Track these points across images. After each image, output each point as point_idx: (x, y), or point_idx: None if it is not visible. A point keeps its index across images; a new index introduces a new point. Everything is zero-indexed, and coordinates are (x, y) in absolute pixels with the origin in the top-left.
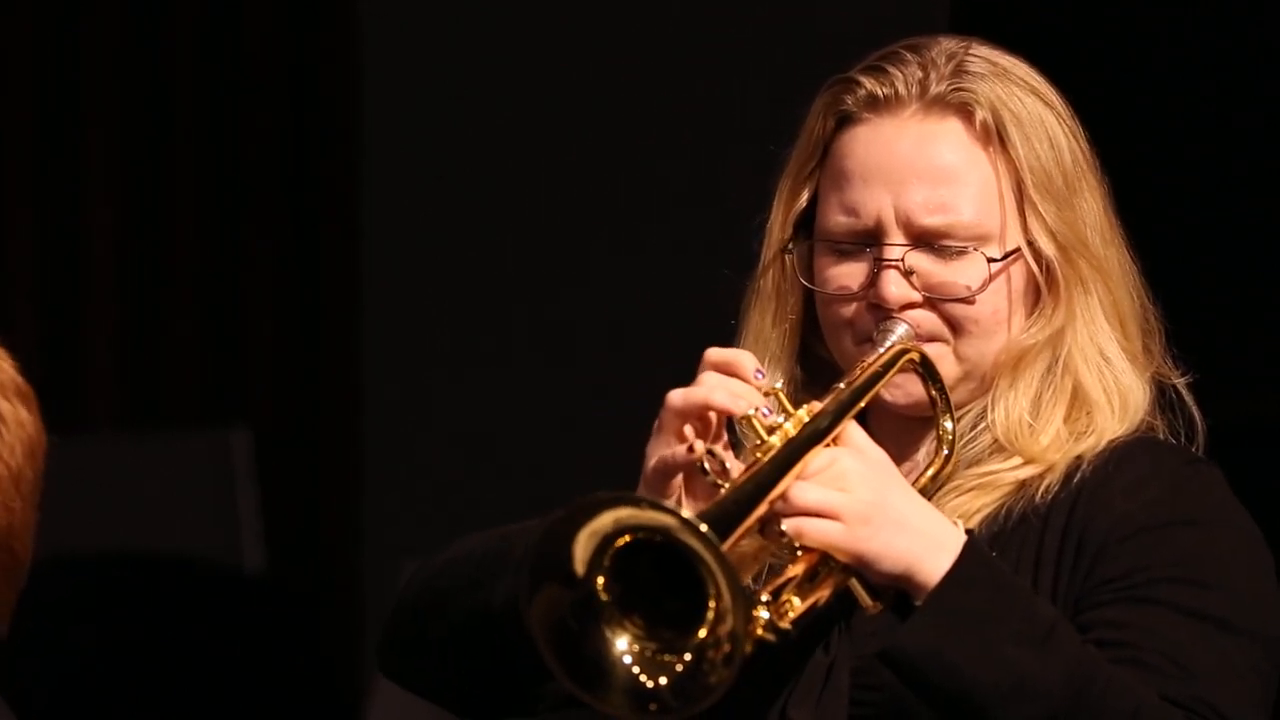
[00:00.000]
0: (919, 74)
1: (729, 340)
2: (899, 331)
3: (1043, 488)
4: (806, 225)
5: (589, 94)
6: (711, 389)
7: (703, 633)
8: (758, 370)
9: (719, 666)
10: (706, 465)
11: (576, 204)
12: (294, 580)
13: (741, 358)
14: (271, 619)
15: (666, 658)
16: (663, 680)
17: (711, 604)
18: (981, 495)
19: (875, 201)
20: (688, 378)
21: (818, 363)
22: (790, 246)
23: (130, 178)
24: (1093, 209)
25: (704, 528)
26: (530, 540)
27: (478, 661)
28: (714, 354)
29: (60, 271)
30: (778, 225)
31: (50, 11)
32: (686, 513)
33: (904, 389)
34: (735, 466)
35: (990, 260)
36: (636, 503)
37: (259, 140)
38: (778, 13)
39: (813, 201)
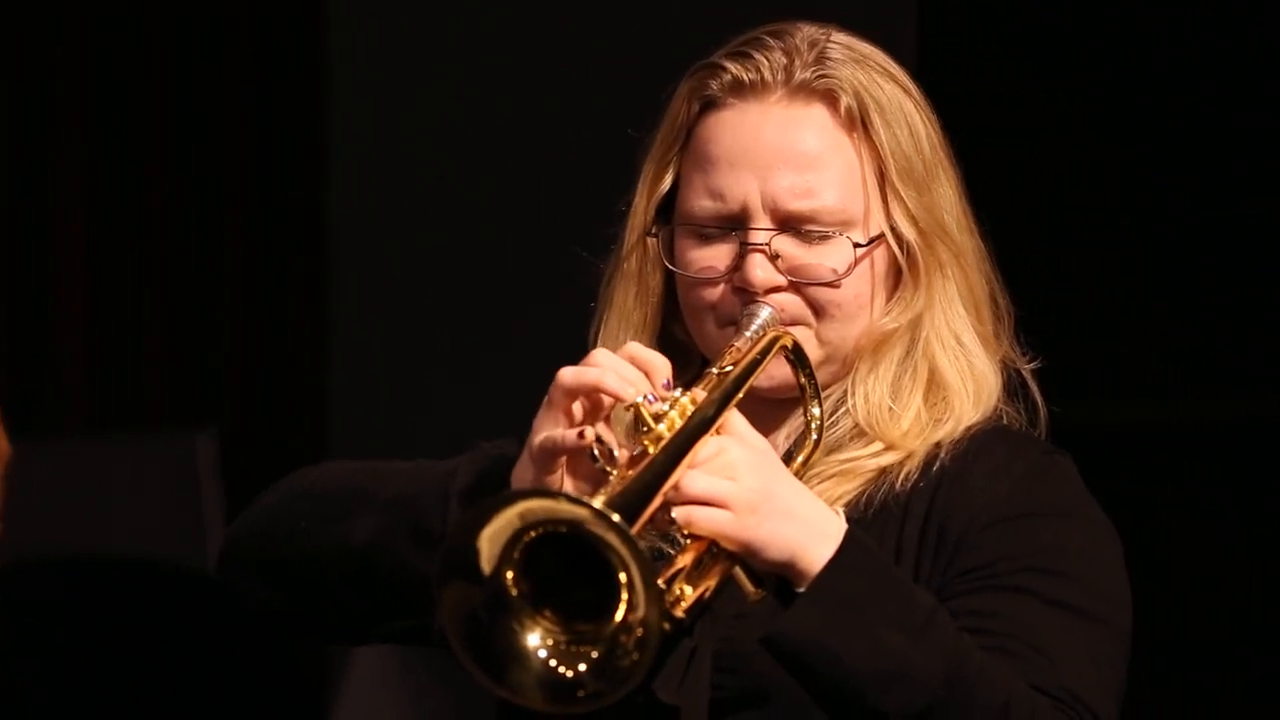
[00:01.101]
0: (784, 60)
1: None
2: (763, 315)
3: (903, 475)
4: (667, 208)
5: (561, 96)
6: (604, 372)
7: (616, 621)
8: (668, 380)
9: (632, 652)
10: (595, 451)
11: (548, 206)
12: None
13: (657, 361)
14: (236, 622)
15: (581, 648)
16: (581, 668)
17: (624, 594)
18: (843, 482)
19: (741, 186)
20: None
21: (675, 344)
22: (654, 230)
23: (100, 181)
24: (948, 194)
25: (617, 518)
26: (409, 499)
27: (321, 590)
28: (634, 349)
29: (29, 275)
30: (641, 208)
31: (21, 17)
32: (598, 504)
33: (769, 373)
34: (621, 452)
35: (856, 245)
36: (546, 495)
37: (228, 145)
38: (749, 14)
39: (675, 185)
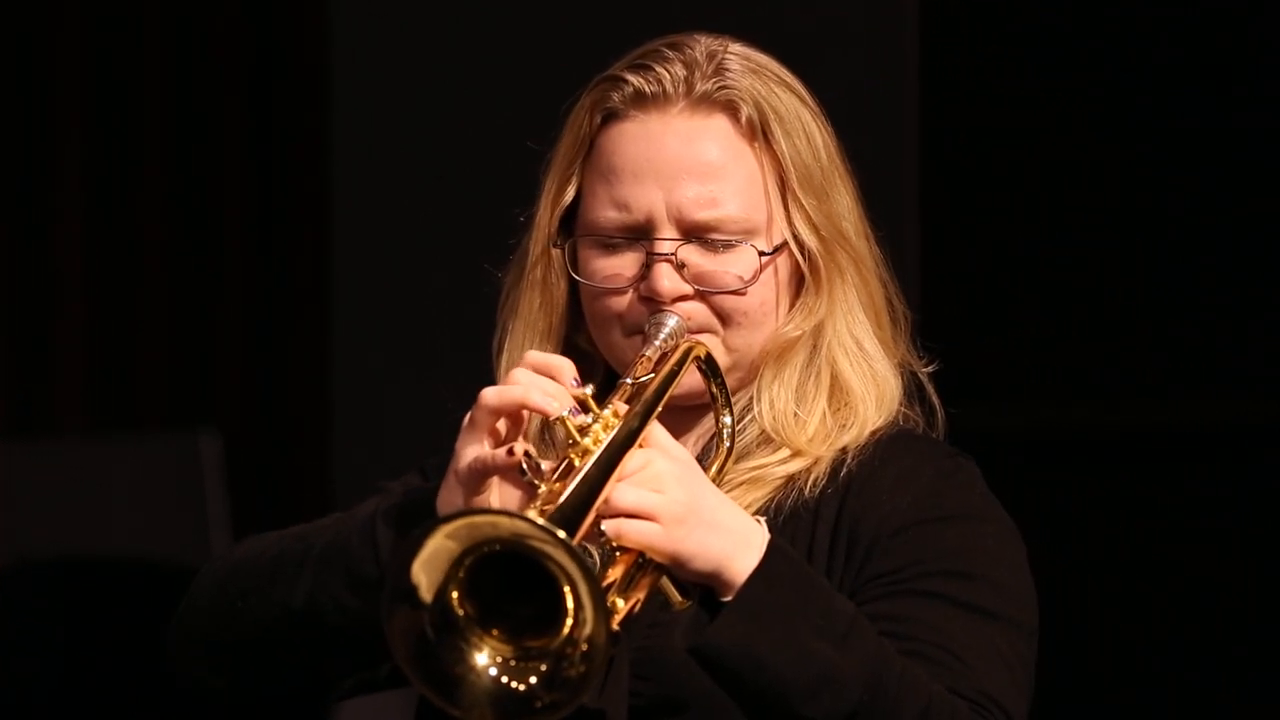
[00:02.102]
0: (683, 72)
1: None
2: (670, 324)
3: (810, 482)
4: (568, 219)
5: (563, 96)
6: (527, 389)
7: (564, 635)
8: (575, 379)
9: (580, 663)
10: (525, 466)
11: None
12: None
13: (562, 364)
14: None
15: (530, 663)
16: (532, 681)
17: (570, 607)
18: (752, 490)
19: (646, 197)
20: None
21: (577, 354)
22: (558, 241)
23: (99, 182)
24: (846, 202)
25: (562, 534)
26: (341, 544)
27: (278, 661)
28: (535, 356)
29: (29, 275)
30: (544, 220)
31: (20, 18)
32: (539, 519)
33: (680, 381)
34: (546, 465)
35: (760, 253)
36: (488, 513)
37: (227, 145)
38: (745, 14)
39: (577, 196)
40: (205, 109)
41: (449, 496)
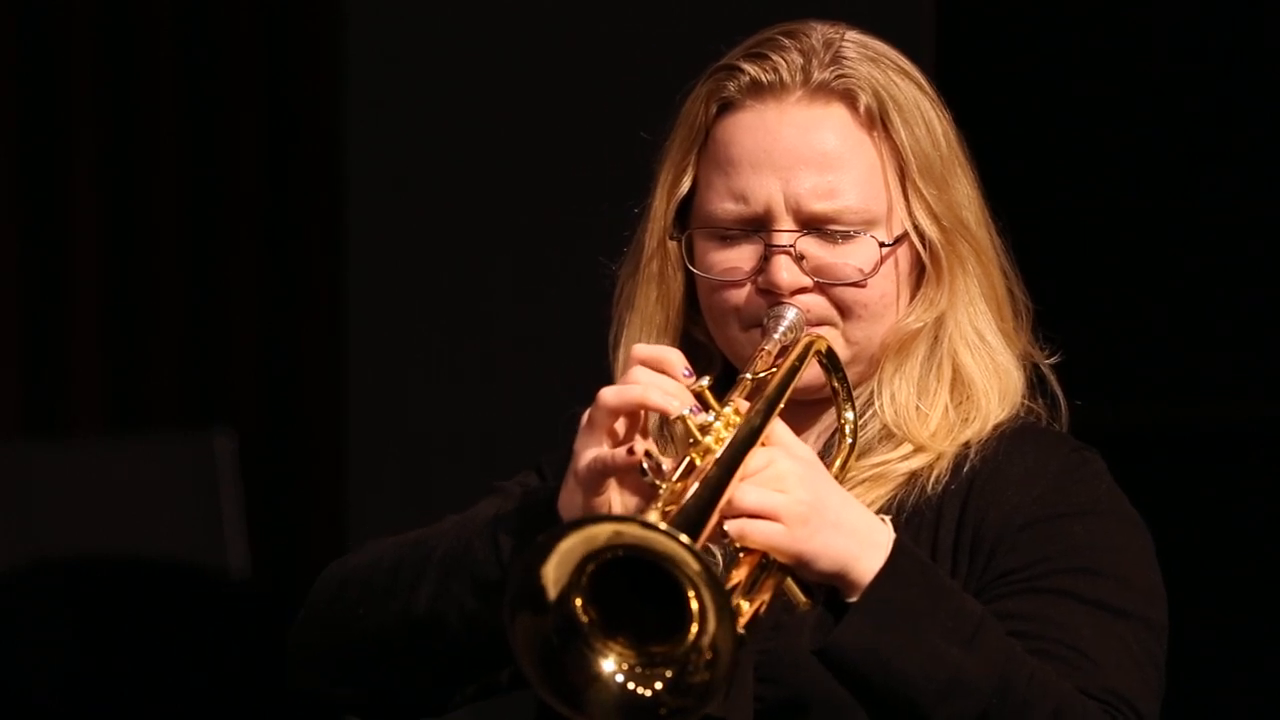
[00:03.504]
0: (800, 60)
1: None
2: (790, 316)
3: (933, 478)
4: (684, 211)
5: (571, 99)
6: (646, 388)
7: (689, 641)
8: (686, 369)
9: (704, 669)
10: (645, 466)
11: (557, 207)
12: (277, 582)
13: (670, 355)
14: (255, 621)
15: (655, 669)
16: (658, 687)
17: (695, 612)
18: (874, 487)
19: (764, 188)
20: None
21: (694, 346)
22: (674, 233)
23: (113, 182)
24: (966, 191)
25: (685, 539)
26: (463, 550)
27: (398, 668)
28: (642, 350)
29: (44, 275)
30: (660, 212)
31: (34, 21)
32: (664, 524)
33: (801, 376)
34: (667, 464)
35: (881, 244)
36: (609, 520)
37: (241, 144)
38: (765, 13)
39: (693, 188)
40: (219, 109)
41: (569, 497)
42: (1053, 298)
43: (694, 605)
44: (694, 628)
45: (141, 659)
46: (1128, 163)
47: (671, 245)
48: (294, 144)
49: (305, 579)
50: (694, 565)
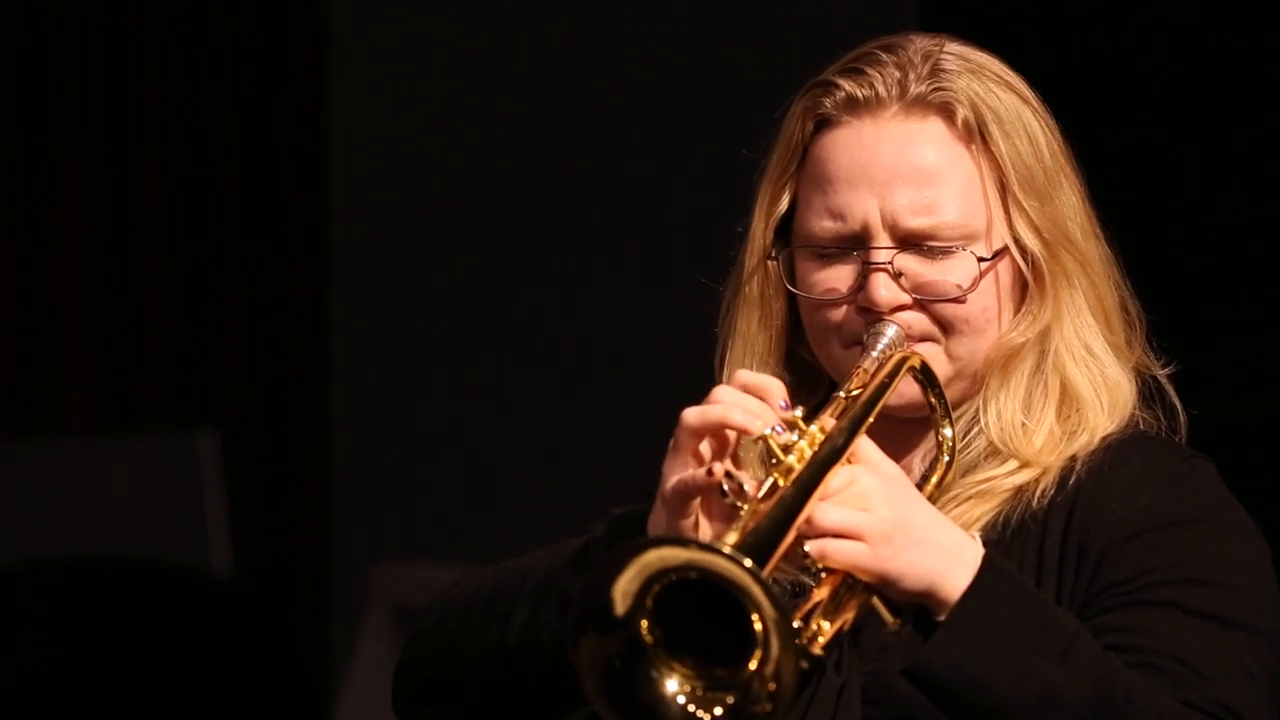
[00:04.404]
0: (897, 74)
1: (708, 348)
2: (890, 334)
3: (1039, 492)
4: (785, 229)
5: (561, 102)
6: (729, 408)
7: (752, 666)
8: (784, 400)
9: (767, 698)
10: (726, 487)
11: (547, 208)
12: (262, 582)
13: (770, 384)
14: (240, 621)
15: (717, 693)
16: (718, 711)
17: (759, 637)
18: (980, 504)
19: (861, 205)
20: (661, 385)
21: (801, 365)
22: (774, 253)
23: (100, 182)
24: (1072, 202)
25: (749, 563)
26: (555, 577)
27: (499, 696)
28: (745, 376)
29: (30, 275)
30: (759, 231)
31: (22, 25)
32: (729, 549)
33: (899, 391)
34: (750, 485)
35: (980, 259)
36: (676, 543)
37: (228, 144)
38: (750, 14)
39: (792, 205)
40: (208, 111)
41: (656, 520)
42: None
43: (758, 629)
44: (758, 654)
45: (125, 658)
46: (1127, 163)
47: (771, 265)
48: (282, 146)
49: (289, 579)
50: (757, 590)
